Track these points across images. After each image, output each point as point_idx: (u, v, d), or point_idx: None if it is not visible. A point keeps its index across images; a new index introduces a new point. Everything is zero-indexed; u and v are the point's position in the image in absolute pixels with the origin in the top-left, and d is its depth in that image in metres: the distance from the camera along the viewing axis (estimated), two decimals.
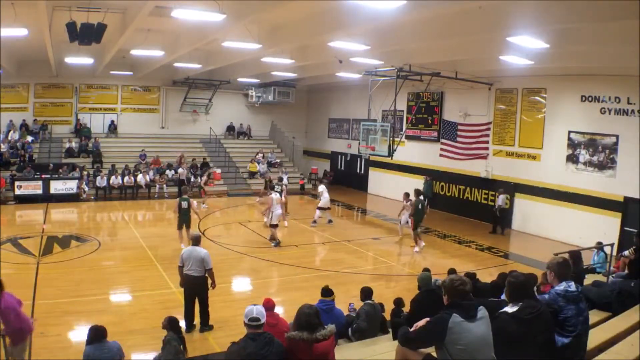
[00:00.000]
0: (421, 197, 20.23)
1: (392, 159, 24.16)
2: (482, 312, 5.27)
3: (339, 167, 38.06)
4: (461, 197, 27.24)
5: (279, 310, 9.29)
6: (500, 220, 23.52)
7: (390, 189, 31.33)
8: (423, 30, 15.54)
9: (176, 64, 27.44)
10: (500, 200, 23.19)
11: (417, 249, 19.66)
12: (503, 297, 8.10)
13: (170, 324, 8.44)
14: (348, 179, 36.17)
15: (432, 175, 28.31)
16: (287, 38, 18.23)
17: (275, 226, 19.72)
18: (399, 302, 10.19)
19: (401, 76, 22.04)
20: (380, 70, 22.84)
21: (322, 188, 24.31)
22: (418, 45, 18.14)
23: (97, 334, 7.73)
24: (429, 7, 12.42)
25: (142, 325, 10.98)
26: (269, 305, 8.16)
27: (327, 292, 9.47)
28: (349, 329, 9.33)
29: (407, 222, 20.83)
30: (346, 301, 10.99)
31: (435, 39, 16.18)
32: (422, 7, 12.24)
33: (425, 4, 12.08)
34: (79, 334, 10.60)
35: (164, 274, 15.61)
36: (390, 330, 9.46)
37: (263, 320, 6.25)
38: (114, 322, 8.93)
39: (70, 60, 25.17)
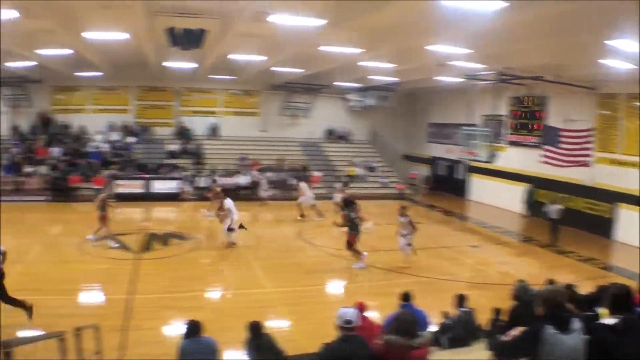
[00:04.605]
0: (353, 207, 17.91)
1: (492, 164, 23.70)
2: (576, 324, 5.09)
3: (438, 172, 37.52)
4: (563, 205, 26.10)
5: (370, 314, 9.24)
6: (554, 230, 21.95)
7: (491, 195, 30.73)
8: (523, 33, 15.03)
9: (275, 68, 27.76)
10: (554, 209, 22.06)
11: (361, 264, 17.20)
12: (598, 309, 7.82)
13: (249, 329, 8.48)
14: (448, 184, 35.60)
15: (533, 182, 27.48)
16: (386, 42, 18.07)
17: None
18: (497, 312, 9.97)
19: (501, 80, 21.56)
20: (481, 74, 22.41)
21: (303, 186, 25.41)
22: (518, 48, 17.63)
23: (193, 328, 7.88)
24: (529, 9, 12.08)
25: (237, 323, 11.05)
26: (361, 309, 8.15)
27: (407, 297, 9.38)
28: (442, 337, 9.19)
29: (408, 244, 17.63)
30: (441, 309, 10.82)
31: (535, 42, 15.67)
32: (522, 9, 11.94)
33: (525, 4, 11.75)
34: (174, 329, 10.96)
35: (260, 274, 15.87)
36: (484, 339, 9.26)
37: (356, 322, 6.27)
38: (209, 318, 9.08)
39: (170, 64, 25.93)
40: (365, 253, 17.27)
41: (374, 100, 35.96)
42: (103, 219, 18.70)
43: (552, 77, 21.65)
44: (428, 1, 12.55)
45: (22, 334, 10.36)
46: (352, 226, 17.11)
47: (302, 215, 24.66)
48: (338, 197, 24.51)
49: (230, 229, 18.96)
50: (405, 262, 17.31)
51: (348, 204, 17.99)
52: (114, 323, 11.51)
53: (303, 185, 25.42)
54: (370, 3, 13.11)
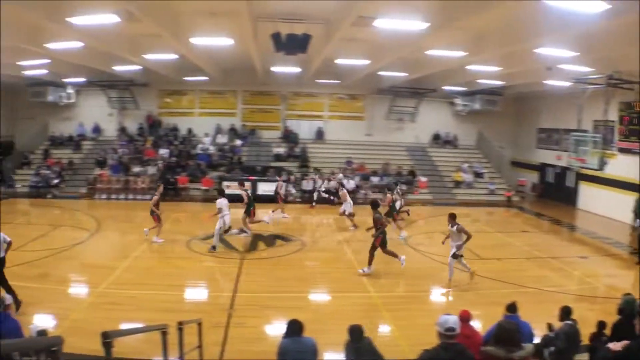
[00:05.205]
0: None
1: (603, 172, 22.80)
2: None
3: (548, 179, 36.33)
4: None
5: (474, 323, 9.12)
6: None
7: (601, 205, 29.30)
8: (629, 36, 14.44)
9: (381, 73, 27.74)
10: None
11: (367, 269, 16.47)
12: None
13: (350, 332, 8.50)
14: (557, 192, 34.38)
15: None
16: (492, 45, 17.79)
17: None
18: (601, 326, 9.67)
19: (610, 84, 20.72)
20: (590, 77, 21.63)
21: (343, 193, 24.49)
22: (627, 51, 16.86)
23: (294, 328, 7.99)
24: (633, 11, 11.59)
25: (338, 325, 11.10)
26: (465, 317, 8.08)
27: (513, 307, 9.23)
28: (545, 350, 8.98)
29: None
30: (545, 320, 10.58)
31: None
32: (626, 12, 11.46)
33: (628, 5, 11.29)
34: (275, 328, 11.27)
35: (363, 278, 15.94)
36: (586, 352, 8.99)
37: (457, 330, 6.25)
38: (310, 319, 9.20)
39: (276, 69, 26.41)
40: (366, 269, 16.47)
41: (480, 105, 35.19)
42: (157, 218, 19.35)
43: None
44: (531, 1, 12.30)
45: (123, 326, 10.78)
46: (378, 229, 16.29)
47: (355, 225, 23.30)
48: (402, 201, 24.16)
49: (225, 230, 18.94)
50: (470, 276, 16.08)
51: (375, 206, 16.88)
52: (216, 319, 11.96)
53: (344, 192, 24.41)
54: (474, 3, 12.95)
